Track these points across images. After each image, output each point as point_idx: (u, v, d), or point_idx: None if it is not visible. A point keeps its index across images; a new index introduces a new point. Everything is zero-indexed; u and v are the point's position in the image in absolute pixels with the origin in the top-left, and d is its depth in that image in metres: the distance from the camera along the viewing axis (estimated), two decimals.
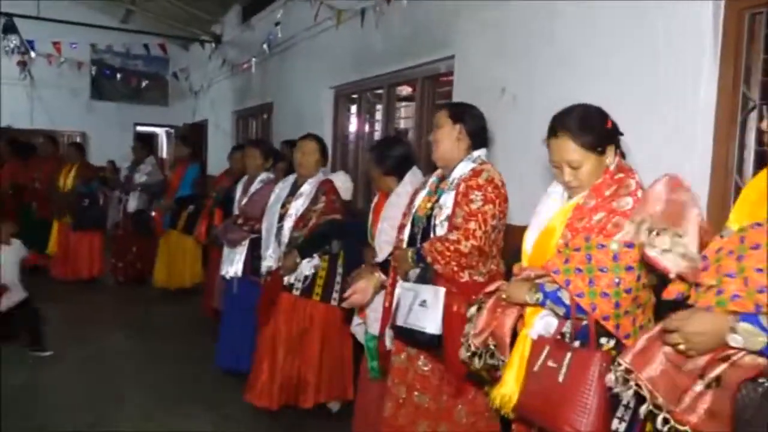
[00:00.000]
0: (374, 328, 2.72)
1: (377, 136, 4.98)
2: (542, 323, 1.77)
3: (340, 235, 3.29)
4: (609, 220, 1.67)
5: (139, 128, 11.40)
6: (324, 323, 3.35)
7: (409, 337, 2.27)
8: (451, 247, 2.17)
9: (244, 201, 4.00)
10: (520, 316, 1.84)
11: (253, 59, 6.93)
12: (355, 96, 5.37)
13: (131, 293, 6.24)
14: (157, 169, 6.44)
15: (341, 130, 5.61)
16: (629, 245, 1.60)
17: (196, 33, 9.13)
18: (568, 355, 1.64)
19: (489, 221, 2.20)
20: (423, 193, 2.43)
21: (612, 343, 1.67)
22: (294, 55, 6.34)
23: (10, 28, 7.85)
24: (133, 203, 6.22)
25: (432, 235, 2.27)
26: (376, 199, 3.02)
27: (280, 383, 3.35)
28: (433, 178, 2.45)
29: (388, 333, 2.46)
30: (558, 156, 1.79)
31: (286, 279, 3.31)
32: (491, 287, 1.93)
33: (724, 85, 2.26)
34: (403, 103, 4.91)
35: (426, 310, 2.21)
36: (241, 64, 7.46)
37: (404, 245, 2.40)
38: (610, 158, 1.78)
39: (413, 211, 2.42)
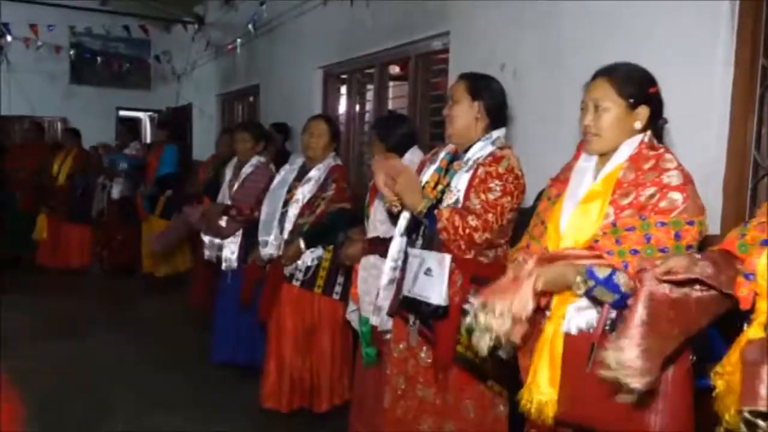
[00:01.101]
0: (368, 312, 2.62)
1: (368, 117, 4.84)
2: (582, 317, 1.60)
3: (350, 224, 3.08)
4: (663, 196, 1.53)
5: (122, 113, 11.13)
6: (332, 319, 3.17)
7: (414, 307, 2.15)
8: (467, 231, 2.03)
9: (236, 187, 3.84)
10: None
11: (239, 40, 6.71)
12: (344, 76, 5.20)
13: (118, 284, 6.09)
14: (142, 154, 6.27)
15: (331, 112, 5.45)
16: (690, 222, 1.50)
17: (178, 14, 8.87)
18: None
19: (506, 215, 2.07)
20: (432, 168, 2.26)
21: None
22: (281, 35, 6.14)
23: None
24: (117, 190, 6.04)
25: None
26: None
27: (291, 384, 3.17)
28: (444, 153, 2.29)
29: (377, 313, 2.36)
30: (588, 95, 1.68)
31: (286, 269, 3.15)
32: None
33: (742, 58, 2.14)
34: (395, 83, 4.76)
35: (431, 278, 2.08)
36: (226, 46, 7.24)
37: (404, 225, 2.25)
38: (641, 123, 1.66)
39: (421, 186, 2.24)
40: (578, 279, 1.53)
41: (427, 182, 2.22)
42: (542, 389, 1.63)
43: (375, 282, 2.58)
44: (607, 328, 1.56)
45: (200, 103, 9.11)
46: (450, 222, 2.04)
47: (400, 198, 2.10)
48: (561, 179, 1.80)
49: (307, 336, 3.18)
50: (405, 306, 2.22)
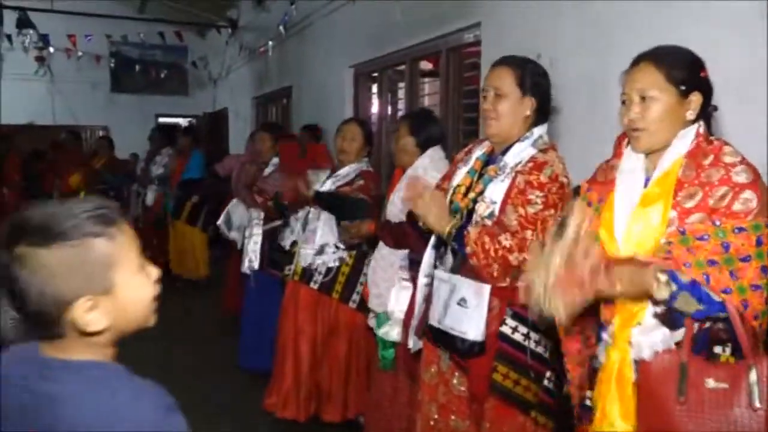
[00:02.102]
0: (375, 305, 2.59)
1: (400, 115, 4.67)
2: (652, 338, 1.36)
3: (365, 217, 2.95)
4: (736, 196, 1.32)
5: (161, 119, 11.27)
6: (351, 327, 3.05)
7: (446, 342, 1.92)
8: (500, 252, 1.78)
9: (260, 179, 3.88)
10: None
11: (270, 42, 6.64)
12: (375, 74, 5.04)
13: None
14: (175, 160, 6.25)
15: (363, 111, 5.30)
16: None
17: (212, 19, 8.88)
18: (754, 371, 1.24)
19: (548, 230, 1.74)
20: (464, 170, 2.01)
21: (728, 351, 1.34)
22: (310, 36, 6.03)
23: (25, 22, 7.67)
24: (150, 196, 6.04)
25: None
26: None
27: (308, 391, 3.07)
28: (479, 153, 2.03)
29: (412, 335, 2.13)
30: (630, 85, 1.45)
31: (303, 261, 3.02)
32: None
33: None
34: (428, 79, 4.57)
35: (466, 310, 1.85)
36: (258, 48, 7.18)
37: (434, 239, 2.01)
38: (693, 112, 1.44)
39: (451, 190, 2.01)
40: (663, 278, 1.29)
41: (458, 186, 2.00)
42: (616, 425, 1.40)
43: (383, 275, 2.51)
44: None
45: (235, 106, 9.11)
46: (479, 245, 1.80)
47: (424, 219, 1.90)
48: (600, 181, 1.58)
49: (323, 342, 3.08)
50: (435, 338, 1.98)
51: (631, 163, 1.52)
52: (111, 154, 6.70)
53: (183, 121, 12.11)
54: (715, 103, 1.51)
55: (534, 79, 1.94)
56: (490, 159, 1.99)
